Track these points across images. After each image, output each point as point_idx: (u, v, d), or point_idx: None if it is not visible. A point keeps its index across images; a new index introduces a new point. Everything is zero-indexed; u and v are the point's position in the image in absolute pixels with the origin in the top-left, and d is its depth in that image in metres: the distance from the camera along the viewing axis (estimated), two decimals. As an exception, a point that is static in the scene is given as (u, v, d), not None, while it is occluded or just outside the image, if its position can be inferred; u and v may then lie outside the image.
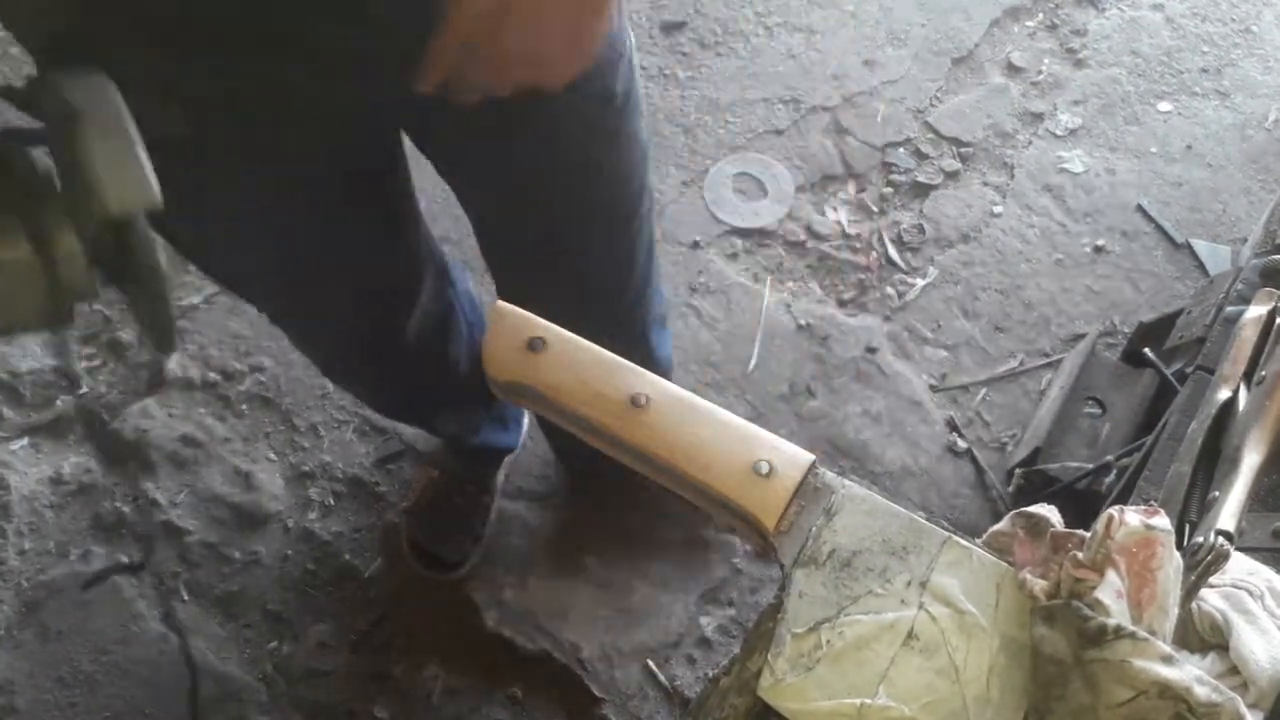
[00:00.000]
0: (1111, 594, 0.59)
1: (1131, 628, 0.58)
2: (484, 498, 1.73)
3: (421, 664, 1.64)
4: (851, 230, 2.09)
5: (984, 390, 1.90)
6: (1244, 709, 0.57)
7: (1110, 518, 0.61)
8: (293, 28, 0.77)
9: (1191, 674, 0.57)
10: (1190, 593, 0.67)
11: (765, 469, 0.68)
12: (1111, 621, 0.58)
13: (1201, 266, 2.03)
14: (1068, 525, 0.66)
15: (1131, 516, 0.61)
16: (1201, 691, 0.57)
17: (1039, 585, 0.62)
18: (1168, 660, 0.58)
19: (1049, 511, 0.66)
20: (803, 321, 1.97)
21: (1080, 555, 0.61)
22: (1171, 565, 0.62)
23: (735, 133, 2.21)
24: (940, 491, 1.79)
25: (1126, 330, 1.92)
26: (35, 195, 0.60)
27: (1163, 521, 0.61)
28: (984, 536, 0.68)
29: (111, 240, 0.60)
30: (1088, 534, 0.63)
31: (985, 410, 1.88)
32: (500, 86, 0.76)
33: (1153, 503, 0.97)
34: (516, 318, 0.75)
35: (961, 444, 1.83)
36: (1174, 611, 0.62)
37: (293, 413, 1.86)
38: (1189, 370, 1.39)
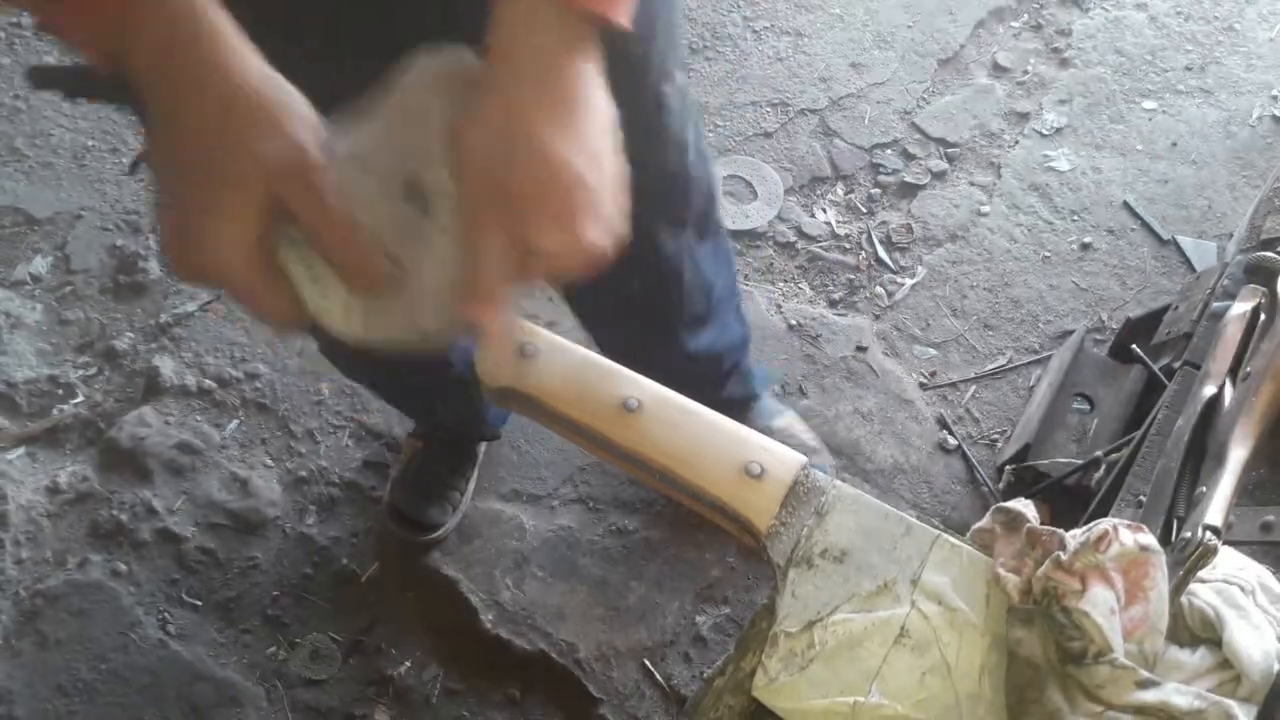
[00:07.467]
0: (1105, 611, 0.60)
1: (1111, 654, 0.59)
2: (465, 467, 1.77)
3: (420, 666, 1.65)
4: (840, 231, 2.11)
5: (973, 387, 1.92)
6: (1234, 709, 0.58)
7: (1105, 533, 0.62)
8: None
9: (1169, 690, 0.58)
10: (1179, 587, 0.68)
11: (757, 470, 0.68)
12: (1093, 646, 0.59)
13: (1188, 262, 2.04)
14: (1060, 520, 0.67)
15: (1126, 535, 0.61)
16: (1182, 701, 0.57)
17: (1012, 581, 0.63)
18: (1144, 685, 0.58)
19: (1025, 507, 0.67)
20: (793, 321, 1.98)
21: (1063, 556, 0.62)
22: (1164, 584, 0.62)
23: (724, 136, 2.22)
24: (931, 489, 1.81)
25: (1114, 326, 1.94)
26: None
27: (1154, 542, 0.62)
28: (969, 534, 0.69)
29: None
30: (1066, 533, 0.63)
31: (975, 407, 1.89)
32: None
33: (1140, 512, 0.98)
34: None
35: (952, 441, 1.84)
36: (1164, 625, 0.62)
37: (289, 419, 1.87)
38: (1176, 365, 1.40)
